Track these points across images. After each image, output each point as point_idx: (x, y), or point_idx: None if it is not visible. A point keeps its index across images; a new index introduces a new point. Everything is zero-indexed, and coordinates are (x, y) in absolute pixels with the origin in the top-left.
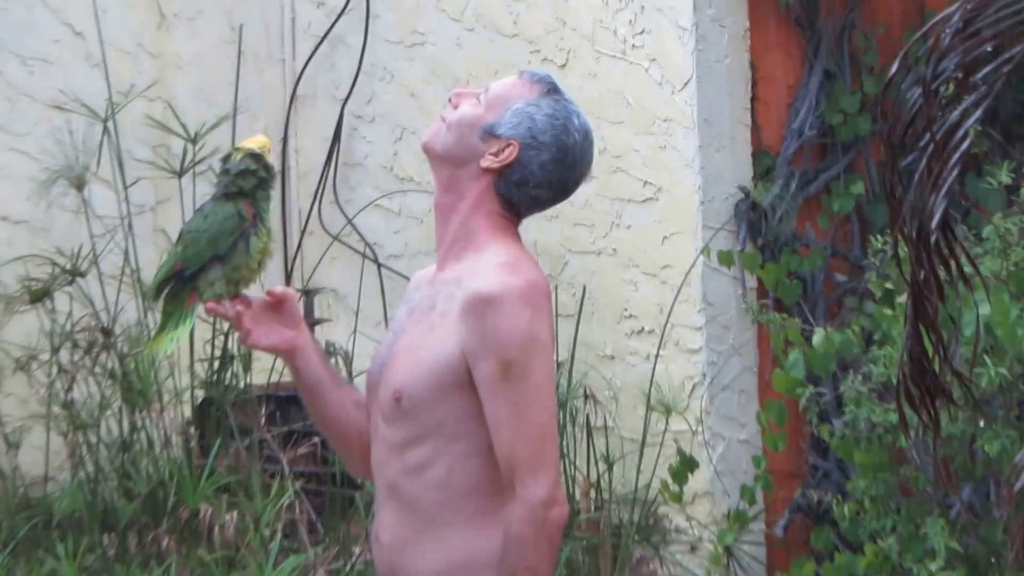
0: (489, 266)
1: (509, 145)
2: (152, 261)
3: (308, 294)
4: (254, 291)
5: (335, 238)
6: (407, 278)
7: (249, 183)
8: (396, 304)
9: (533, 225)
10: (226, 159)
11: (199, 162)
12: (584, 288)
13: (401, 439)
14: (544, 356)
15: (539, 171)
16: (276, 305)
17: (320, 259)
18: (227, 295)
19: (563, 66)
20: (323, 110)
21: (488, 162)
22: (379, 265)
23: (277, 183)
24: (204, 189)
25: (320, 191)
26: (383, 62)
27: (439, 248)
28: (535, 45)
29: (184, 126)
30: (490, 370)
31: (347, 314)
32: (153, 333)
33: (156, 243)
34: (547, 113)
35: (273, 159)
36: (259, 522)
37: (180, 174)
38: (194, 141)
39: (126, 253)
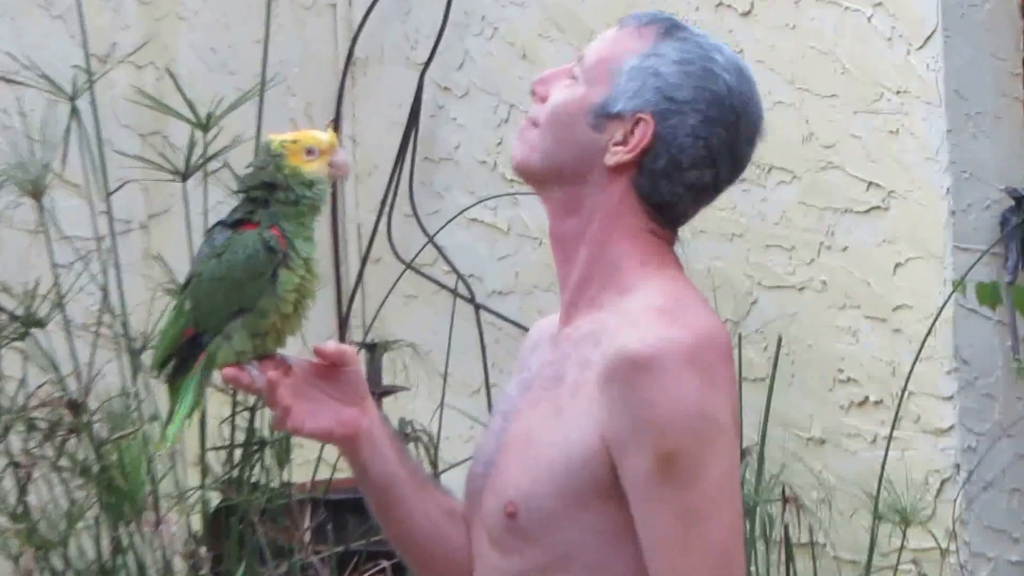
0: (640, 314)
1: (638, 121)
2: (142, 302)
3: (372, 350)
4: (294, 348)
5: (409, 266)
6: (521, 327)
7: (255, 185)
8: (504, 362)
9: (704, 248)
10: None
11: (212, 158)
12: (779, 340)
13: (518, 571)
14: (723, 444)
15: (692, 142)
16: (328, 370)
17: (386, 297)
18: (251, 355)
19: (746, 14)
20: (393, 79)
21: (616, 156)
22: (477, 307)
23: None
24: (218, 197)
25: (390, 198)
26: (480, 9)
27: (564, 292)
28: None
29: (191, 104)
30: (644, 467)
31: (430, 379)
32: (162, 419)
33: (148, 275)
34: (675, 60)
35: (336, 160)
36: None
37: (184, 175)
38: (205, 127)
39: (105, 291)
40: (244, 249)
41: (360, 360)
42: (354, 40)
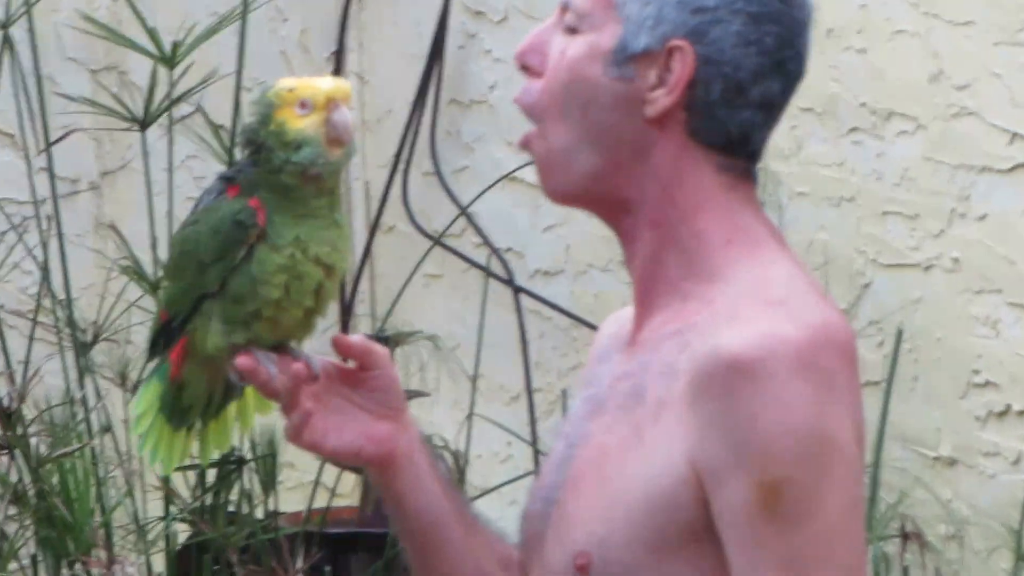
0: (738, 306)
1: (671, 52)
2: (92, 283)
3: (386, 343)
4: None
5: (432, 238)
6: (573, 317)
7: (251, 150)
8: (550, 361)
9: (804, 216)
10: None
11: (179, 100)
12: (899, 334)
13: None
14: (843, 471)
15: (744, 52)
16: (353, 374)
17: (408, 279)
18: (243, 342)
19: None
20: (411, 0)
21: (658, 103)
22: (516, 290)
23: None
24: (188, 150)
25: (406, 152)
26: None
27: (635, 288)
28: None
29: (152, 33)
30: (743, 500)
31: (457, 382)
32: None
33: (99, 249)
34: None
35: (334, 118)
36: None
37: (144, 123)
38: (171, 61)
39: (45, 269)
40: (210, 222)
41: (392, 362)
42: None
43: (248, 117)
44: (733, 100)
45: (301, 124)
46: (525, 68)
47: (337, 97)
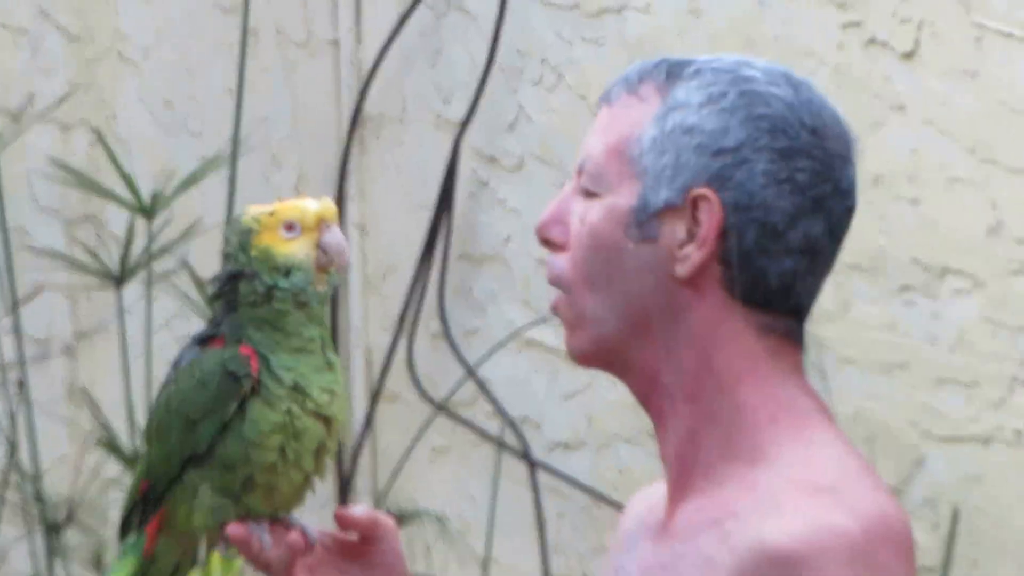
0: (783, 493)
1: (696, 202)
2: (63, 455)
3: (397, 520)
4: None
5: (442, 408)
6: (596, 494)
7: (224, 280)
8: (570, 544)
9: (850, 384)
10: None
11: (159, 254)
12: (955, 514)
13: None
14: None
15: (776, 191)
16: (355, 548)
17: (410, 451)
18: (231, 514)
19: (908, 55)
20: (418, 145)
21: (689, 260)
22: (533, 464)
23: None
24: (170, 309)
25: (412, 312)
26: (539, 48)
27: (669, 467)
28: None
29: (129, 180)
30: None
31: (466, 566)
32: None
33: (72, 418)
34: (701, 102)
35: (327, 240)
36: None
37: (120, 279)
38: (150, 211)
39: (12, 442)
40: (193, 376)
41: (399, 536)
42: (364, 90)
43: (224, 250)
44: (770, 246)
45: (290, 248)
46: (547, 242)
47: (327, 217)
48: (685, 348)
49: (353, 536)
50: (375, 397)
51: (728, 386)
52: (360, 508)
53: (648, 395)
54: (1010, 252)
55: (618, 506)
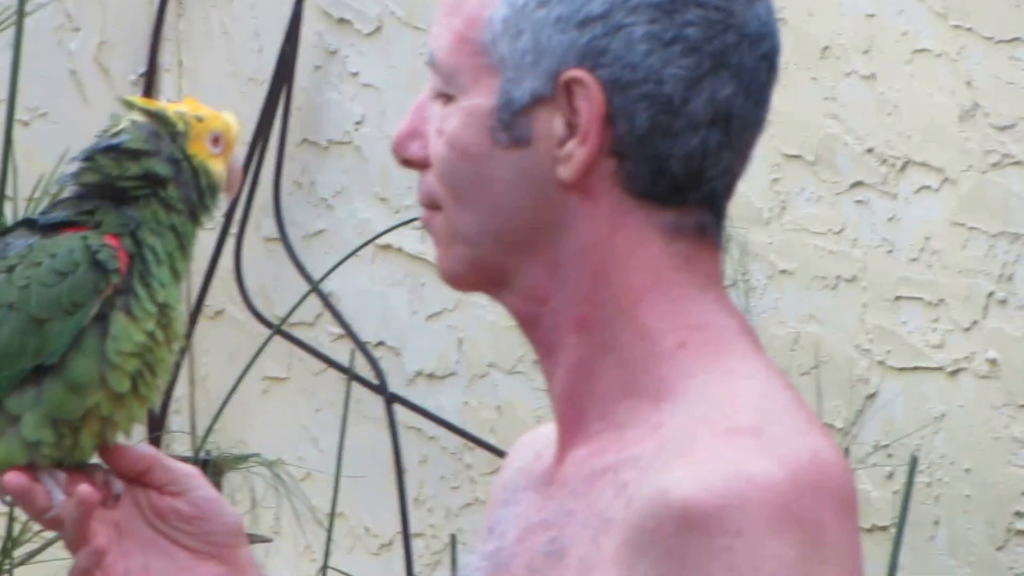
0: (694, 434)
1: (569, 87)
2: None
3: (206, 467)
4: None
5: (278, 330)
6: (470, 437)
7: (124, 170)
8: (437, 496)
9: (789, 301)
10: (101, 135)
11: None
12: (913, 462)
13: None
14: None
15: (663, 56)
16: (163, 503)
17: (238, 382)
18: (51, 455)
19: None
20: (250, 3)
21: (574, 159)
22: (390, 399)
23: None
24: None
25: (240, 212)
26: None
27: (558, 407)
28: None
29: None
30: None
31: (308, 523)
32: None
33: None
34: None
35: (234, 165)
36: None
37: None
38: None
39: None
40: (53, 259)
41: (208, 483)
42: None
43: (133, 141)
44: (669, 124)
45: (218, 166)
46: (408, 162)
47: (237, 139)
48: (576, 264)
49: (117, 486)
50: (194, 314)
51: (627, 307)
52: (139, 446)
53: (533, 322)
54: (987, 141)
55: (494, 450)
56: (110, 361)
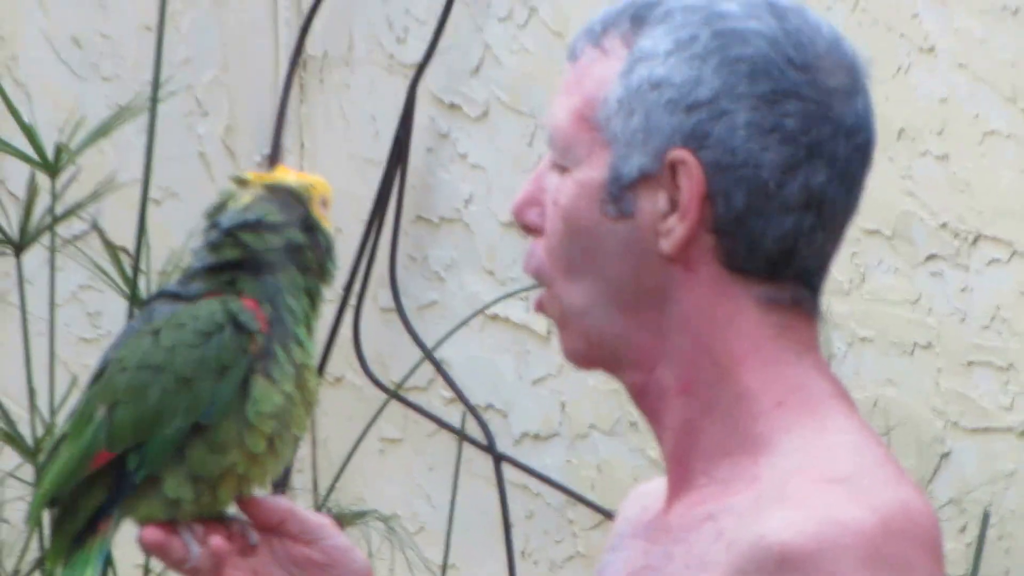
0: (790, 485)
1: (673, 167)
2: None
3: (337, 522)
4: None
5: (393, 395)
6: (570, 493)
7: (266, 243)
8: (542, 550)
9: (867, 366)
10: (216, 209)
11: (65, 216)
12: (985, 517)
13: None
14: None
15: (761, 143)
16: (298, 552)
17: (358, 443)
18: (191, 511)
19: None
20: (368, 91)
21: (673, 233)
22: (498, 458)
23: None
24: (78, 279)
25: (358, 285)
26: None
27: (667, 463)
28: None
29: (30, 132)
30: None
31: (422, 573)
32: None
33: None
34: (669, 49)
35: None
36: None
37: (19, 245)
38: (54, 167)
39: None
40: (197, 320)
41: (339, 532)
42: (305, 27)
43: (249, 209)
44: (763, 206)
45: (329, 226)
46: (526, 228)
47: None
48: (679, 334)
49: (253, 536)
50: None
51: (728, 371)
52: (275, 498)
53: (643, 390)
54: None
55: (594, 507)
56: (250, 423)
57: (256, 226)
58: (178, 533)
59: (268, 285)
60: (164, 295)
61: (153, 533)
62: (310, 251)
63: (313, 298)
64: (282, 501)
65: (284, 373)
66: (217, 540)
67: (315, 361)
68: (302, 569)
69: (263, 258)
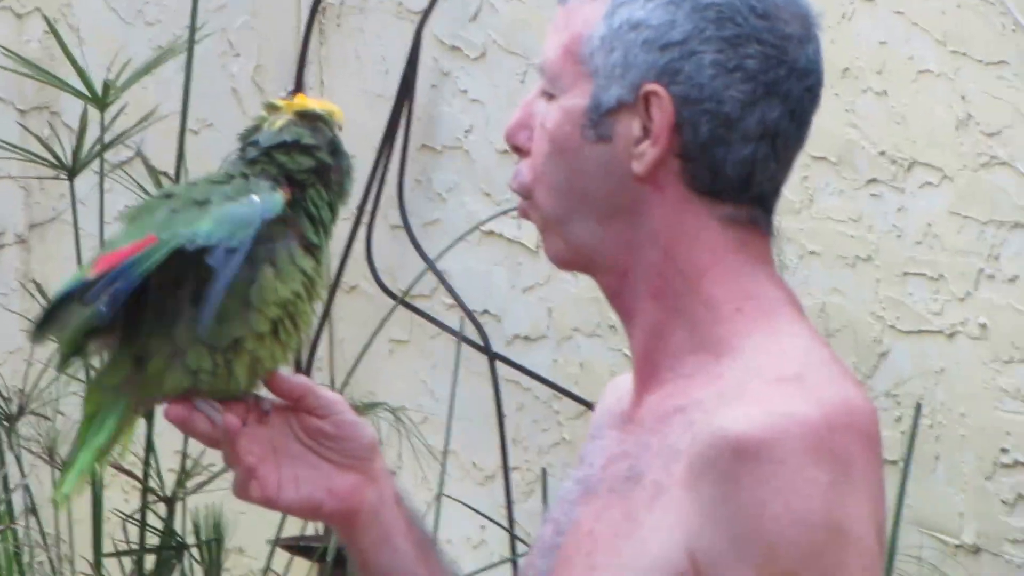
0: (747, 383)
1: (647, 98)
2: (17, 348)
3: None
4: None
5: (401, 301)
6: (557, 388)
7: (298, 164)
8: (530, 437)
9: (815, 277)
10: (250, 131)
11: (111, 144)
12: (918, 408)
13: None
14: (858, 566)
15: (725, 81)
16: (313, 424)
17: (369, 344)
18: (210, 381)
19: None
20: (379, 35)
21: (644, 157)
22: (493, 357)
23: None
24: (125, 199)
25: (371, 203)
26: None
27: (637, 361)
28: None
29: (80, 70)
30: None
31: (425, 459)
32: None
33: (26, 308)
34: None
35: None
36: None
37: (72, 170)
38: (103, 101)
39: None
40: (261, 188)
41: (350, 409)
42: None
43: (283, 131)
44: (725, 136)
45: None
46: (517, 149)
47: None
48: (649, 245)
49: (267, 404)
50: (333, 289)
51: (693, 280)
52: (296, 376)
53: (617, 292)
54: (978, 145)
55: (578, 399)
56: (252, 304)
57: (291, 147)
58: (198, 407)
59: (296, 200)
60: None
61: (176, 408)
62: (335, 171)
63: (334, 212)
64: (302, 378)
65: (290, 272)
66: (229, 417)
67: (328, 269)
68: (315, 441)
69: (295, 177)
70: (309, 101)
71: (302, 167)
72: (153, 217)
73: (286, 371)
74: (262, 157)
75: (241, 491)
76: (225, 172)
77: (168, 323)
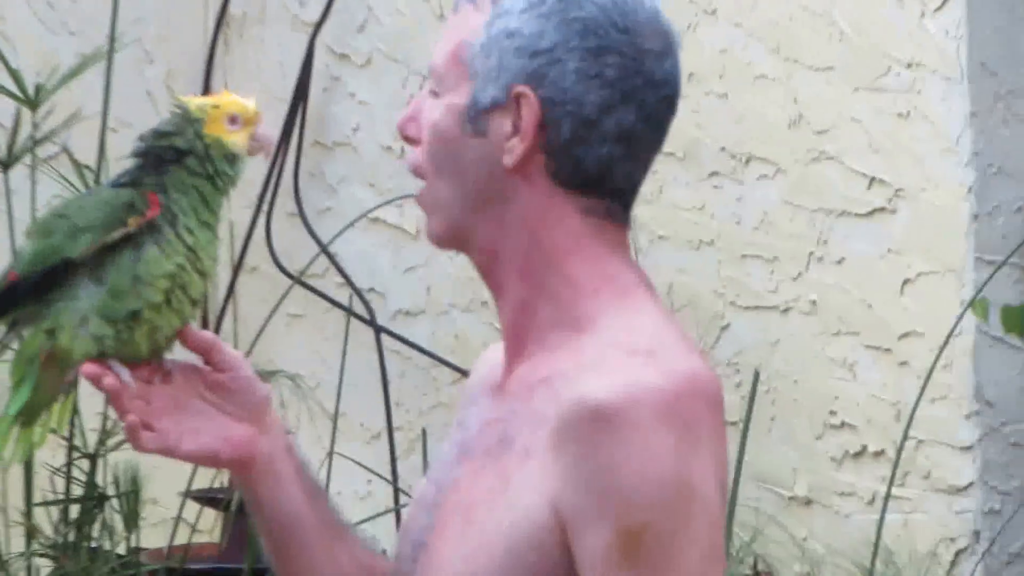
0: (605, 355)
1: (518, 99)
2: None
3: None
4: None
5: (297, 280)
6: (434, 357)
7: (156, 147)
8: (410, 400)
9: (663, 258)
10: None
11: (42, 140)
12: (756, 375)
13: None
14: (704, 519)
15: (585, 87)
16: (210, 377)
17: (269, 319)
18: (114, 344)
19: None
20: (277, 43)
21: (515, 151)
22: (378, 330)
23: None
24: (53, 190)
25: (269, 193)
26: None
27: (506, 334)
28: None
29: (15, 74)
30: (603, 546)
31: (318, 420)
32: None
33: None
34: (522, 8)
35: (261, 133)
36: None
37: (7, 163)
38: (34, 103)
39: None
40: (95, 195)
41: (250, 367)
42: None
43: (165, 129)
44: (585, 136)
45: (236, 139)
46: (407, 139)
47: (259, 115)
48: (517, 229)
49: (168, 364)
50: (237, 269)
51: (556, 262)
52: (204, 332)
53: (488, 270)
54: (809, 142)
55: (453, 367)
56: (141, 278)
57: (155, 135)
58: (109, 366)
59: (160, 179)
60: (111, 184)
61: (90, 366)
62: (194, 157)
63: (203, 196)
64: (210, 334)
65: (173, 247)
66: (110, 381)
67: (214, 243)
68: (216, 394)
69: (160, 157)
70: (226, 97)
71: (159, 148)
72: (28, 248)
73: (204, 332)
74: (141, 141)
75: (134, 442)
76: (111, 182)
77: (72, 298)
